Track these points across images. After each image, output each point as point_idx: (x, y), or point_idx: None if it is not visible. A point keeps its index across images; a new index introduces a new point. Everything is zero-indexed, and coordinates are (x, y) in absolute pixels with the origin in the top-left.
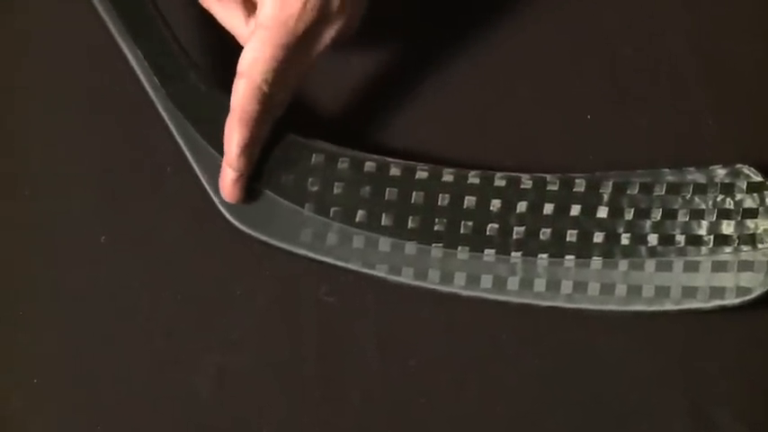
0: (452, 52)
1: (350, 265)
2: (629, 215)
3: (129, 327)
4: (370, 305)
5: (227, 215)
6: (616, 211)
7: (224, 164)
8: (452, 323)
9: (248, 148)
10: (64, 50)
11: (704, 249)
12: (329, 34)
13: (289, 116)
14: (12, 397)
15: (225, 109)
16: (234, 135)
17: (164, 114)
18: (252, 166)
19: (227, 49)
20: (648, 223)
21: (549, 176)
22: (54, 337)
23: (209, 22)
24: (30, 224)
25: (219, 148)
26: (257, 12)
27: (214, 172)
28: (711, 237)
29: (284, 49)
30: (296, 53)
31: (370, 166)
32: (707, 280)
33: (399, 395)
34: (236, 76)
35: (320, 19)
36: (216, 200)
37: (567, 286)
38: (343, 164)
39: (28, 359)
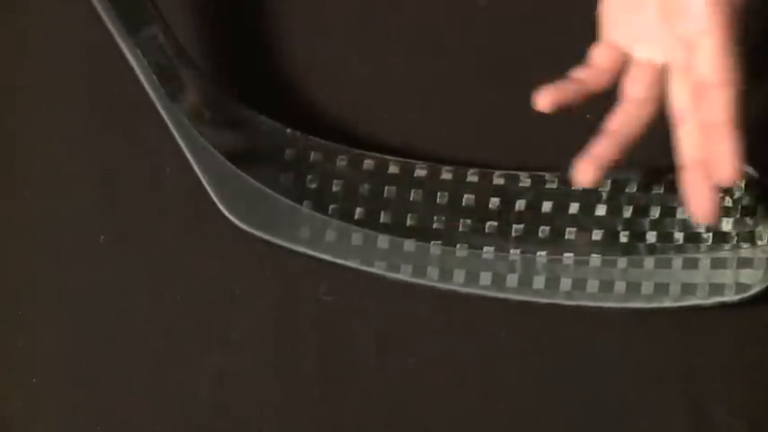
0: (452, 51)
1: (348, 263)
2: (627, 213)
3: (129, 327)
4: (369, 304)
5: (227, 213)
6: (615, 209)
7: (704, 185)
8: (451, 322)
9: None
10: (63, 50)
11: (703, 246)
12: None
13: (288, 114)
14: (11, 397)
15: (225, 108)
16: (730, 148)
17: (163, 114)
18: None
19: (227, 49)
20: (647, 221)
21: (547, 174)
22: (54, 337)
23: (208, 21)
24: (29, 224)
25: (220, 148)
26: (691, 21)
27: (213, 171)
28: (710, 234)
29: (734, 39)
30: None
31: (368, 163)
32: (706, 277)
33: (399, 394)
34: (707, 89)
35: None
36: (215, 198)
37: (566, 283)
38: (341, 161)
39: (27, 359)
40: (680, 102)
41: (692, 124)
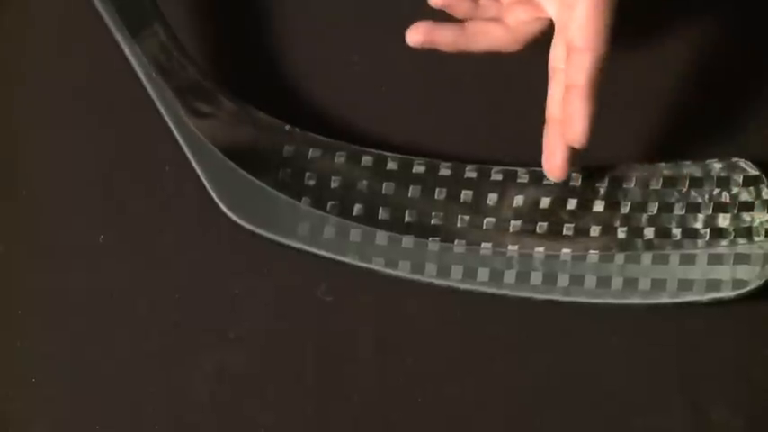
0: None
1: (347, 259)
2: (625, 209)
3: (128, 326)
4: (368, 304)
5: (225, 209)
6: (612, 205)
7: (559, 142)
8: (450, 321)
9: (592, 126)
10: (63, 49)
11: (700, 242)
12: None
13: (287, 110)
14: (10, 396)
15: (225, 106)
16: (587, 108)
17: (162, 112)
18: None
19: (226, 46)
20: (645, 217)
21: None
22: (53, 337)
23: (208, 18)
24: (28, 225)
25: (219, 145)
26: None
27: (212, 168)
28: (708, 230)
29: (611, 10)
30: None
31: (367, 160)
32: (703, 273)
33: (398, 393)
34: (573, 51)
35: None
36: (214, 195)
37: (563, 279)
38: (340, 158)
39: (26, 359)
40: (554, 60)
41: (558, 83)
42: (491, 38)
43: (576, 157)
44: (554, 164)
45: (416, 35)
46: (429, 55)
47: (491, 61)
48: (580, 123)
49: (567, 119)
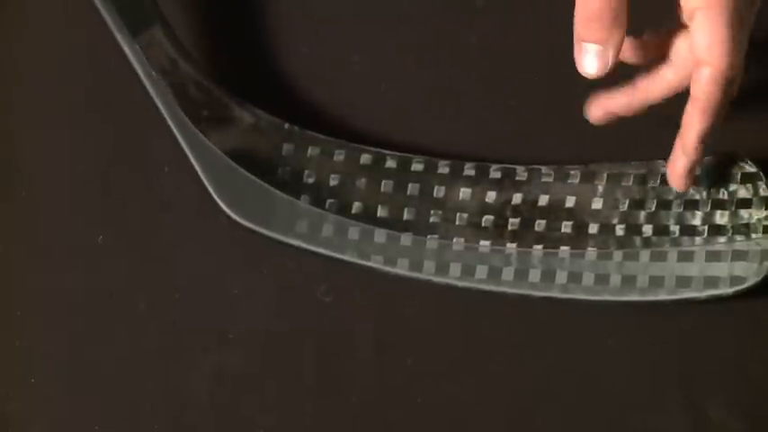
0: (450, 46)
1: (345, 257)
2: (623, 206)
3: (127, 326)
4: (367, 304)
5: (225, 208)
6: (611, 203)
7: (679, 152)
8: (449, 322)
9: (708, 139)
10: (61, 47)
11: (698, 239)
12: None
13: (286, 109)
14: (9, 397)
15: (224, 105)
16: (703, 127)
17: (162, 110)
18: (703, 158)
19: (227, 45)
20: (643, 214)
21: (543, 168)
22: (52, 337)
23: (208, 17)
24: (27, 224)
25: (219, 144)
26: (684, 2)
27: (212, 167)
28: (705, 227)
29: (737, 17)
30: (743, 24)
31: (365, 158)
32: (701, 270)
33: (397, 393)
34: (694, 66)
35: None
36: (213, 193)
37: (561, 277)
38: (339, 156)
39: (25, 359)
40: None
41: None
42: (665, 85)
43: (695, 168)
44: (673, 171)
45: (597, 112)
46: (428, 54)
47: (491, 60)
48: (692, 137)
49: (683, 128)
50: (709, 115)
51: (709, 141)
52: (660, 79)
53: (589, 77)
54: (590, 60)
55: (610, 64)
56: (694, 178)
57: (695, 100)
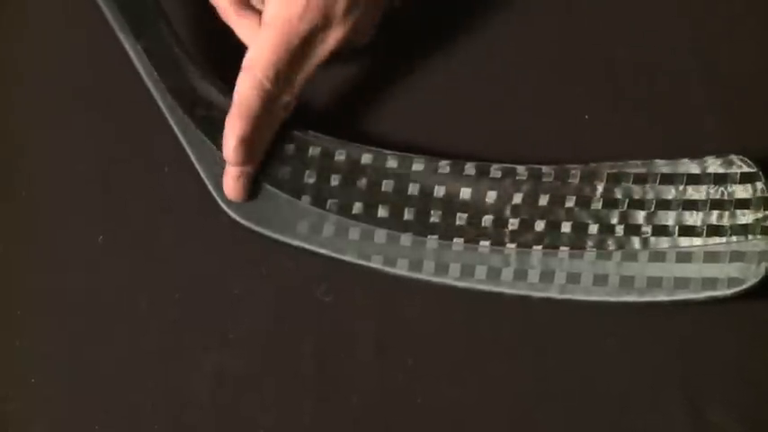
0: (451, 47)
1: (346, 257)
2: (623, 206)
3: (127, 326)
4: (367, 304)
5: (225, 208)
6: (610, 202)
7: (226, 161)
8: (449, 323)
9: (248, 144)
10: (63, 45)
11: (697, 240)
12: (333, 38)
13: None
14: (10, 397)
15: (226, 105)
16: (233, 129)
17: (164, 111)
18: (253, 164)
19: (228, 45)
20: (642, 214)
21: (544, 168)
22: (52, 337)
23: (210, 17)
24: (27, 224)
25: (220, 144)
26: (263, 11)
27: (214, 167)
28: (704, 227)
29: (287, 47)
30: (298, 53)
31: (366, 158)
32: (699, 271)
33: (398, 394)
34: (241, 71)
35: (324, 22)
36: (215, 194)
37: (560, 277)
38: (339, 156)
39: (26, 359)
40: None
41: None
42: (250, 35)
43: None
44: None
45: None
46: (429, 54)
47: (491, 60)
48: (226, 144)
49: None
50: (245, 120)
51: (251, 147)
52: (251, 34)
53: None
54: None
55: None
56: None
57: (234, 106)
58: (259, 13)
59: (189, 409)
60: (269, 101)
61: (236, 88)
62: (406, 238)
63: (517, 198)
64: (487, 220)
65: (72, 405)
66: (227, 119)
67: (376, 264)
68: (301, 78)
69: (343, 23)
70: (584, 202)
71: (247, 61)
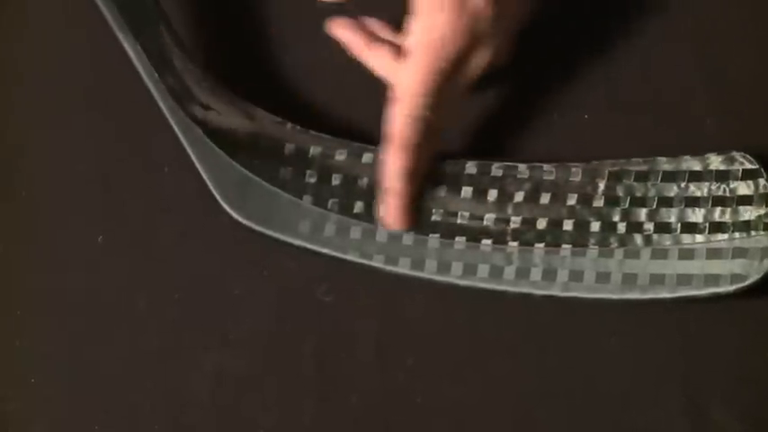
0: None
1: (347, 256)
2: (624, 204)
3: (128, 326)
4: (368, 304)
5: (227, 208)
6: (612, 200)
7: (386, 193)
8: (450, 322)
9: (410, 174)
10: (62, 46)
11: (699, 237)
12: (482, 58)
13: (288, 108)
14: (9, 397)
15: (226, 105)
16: (395, 161)
17: (164, 111)
18: (415, 193)
19: (228, 45)
20: (644, 211)
21: (545, 166)
22: (51, 338)
23: (210, 17)
24: (27, 225)
25: (220, 144)
26: (407, 39)
27: (215, 167)
28: (707, 224)
29: (436, 72)
30: (448, 77)
31: (367, 157)
32: (702, 267)
33: (398, 394)
34: (391, 102)
35: (470, 42)
36: (216, 193)
37: (562, 275)
38: (340, 155)
39: (26, 359)
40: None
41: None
42: (384, 66)
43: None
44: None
45: (334, 29)
46: None
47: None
48: (388, 177)
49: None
50: (405, 152)
51: (413, 178)
52: (384, 65)
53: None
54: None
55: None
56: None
57: (389, 140)
58: (389, 43)
59: (189, 409)
60: (425, 128)
61: (389, 120)
62: (407, 237)
63: (519, 196)
64: (489, 218)
65: (72, 405)
66: (386, 151)
67: (377, 263)
68: (454, 101)
69: (489, 43)
70: (585, 199)
71: (397, 92)
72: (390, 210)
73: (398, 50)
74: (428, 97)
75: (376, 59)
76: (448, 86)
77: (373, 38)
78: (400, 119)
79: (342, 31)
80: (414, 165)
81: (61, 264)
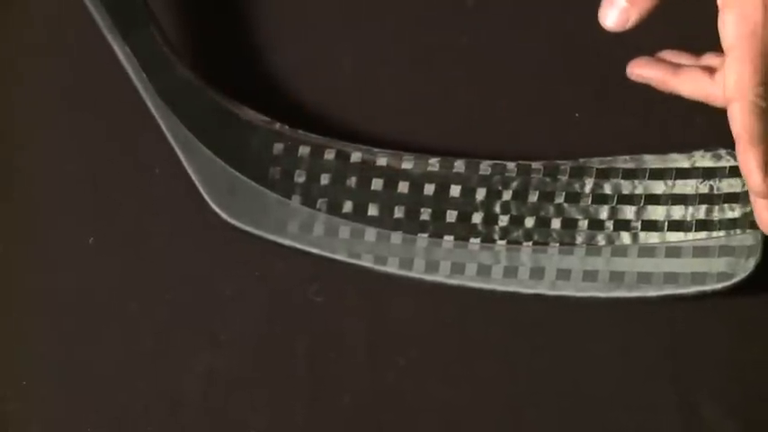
0: (441, 46)
1: (336, 256)
2: (612, 201)
3: (118, 327)
4: (359, 304)
5: (216, 208)
6: (600, 198)
7: (753, 198)
8: (441, 320)
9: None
10: (52, 49)
11: (686, 235)
12: None
13: (276, 108)
14: (0, 397)
15: (214, 105)
16: (750, 161)
17: (153, 111)
18: None
19: (217, 45)
20: (632, 209)
21: (533, 164)
22: (42, 339)
23: (198, 16)
24: (18, 226)
25: (209, 144)
26: (722, 39)
27: (204, 167)
28: (693, 222)
29: (763, 57)
30: None
31: (356, 156)
32: (689, 265)
33: (389, 393)
34: (726, 103)
35: None
36: (204, 193)
37: (550, 273)
38: (329, 155)
39: (16, 360)
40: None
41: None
42: (698, 85)
43: None
44: (763, 221)
45: (634, 70)
46: (416, 52)
47: (480, 58)
48: (747, 174)
49: (744, 173)
50: (758, 146)
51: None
52: (699, 84)
53: (605, 28)
54: (612, 13)
55: (628, 24)
56: None
57: (739, 138)
58: (689, 62)
59: (181, 409)
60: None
61: (732, 121)
62: (396, 237)
63: (507, 195)
64: (477, 217)
65: (63, 406)
66: (738, 154)
67: (366, 262)
68: None
69: None
70: (573, 197)
71: (730, 90)
72: (763, 212)
73: (706, 68)
74: (763, 87)
75: (688, 83)
76: None
77: (675, 65)
78: (743, 115)
79: (642, 70)
80: None
81: (51, 265)
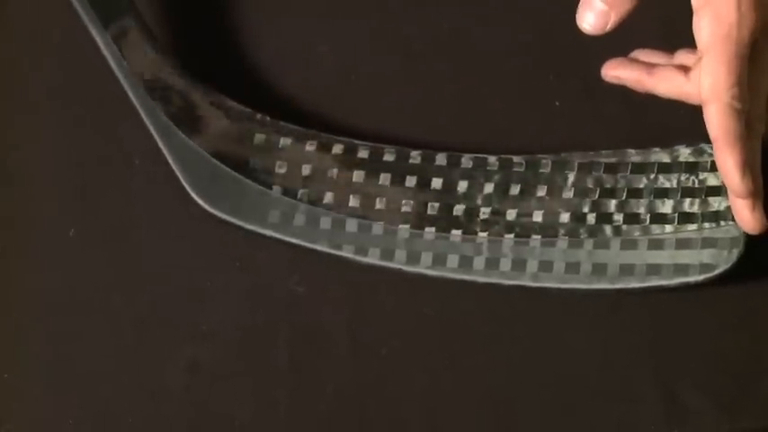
0: (423, 37)
1: (317, 246)
2: (594, 195)
3: (100, 319)
4: (341, 295)
5: (196, 198)
6: (582, 191)
7: (732, 196)
8: (422, 311)
9: (746, 168)
10: (34, 42)
11: (668, 227)
12: None
13: (258, 99)
14: None
15: (196, 96)
16: (728, 161)
17: (134, 101)
18: (759, 186)
19: (198, 36)
20: (614, 203)
21: (515, 157)
22: (24, 332)
23: (179, 8)
24: None
25: (191, 135)
26: (697, 40)
27: (185, 158)
28: (676, 215)
29: (737, 60)
30: (748, 61)
31: (337, 148)
32: (671, 257)
33: (372, 384)
34: (702, 105)
35: (759, 23)
36: (185, 183)
37: (532, 265)
38: (311, 146)
39: None
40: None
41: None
42: (674, 84)
43: (758, 204)
44: (742, 219)
45: (609, 71)
46: (397, 44)
47: (462, 50)
48: (726, 175)
49: (722, 174)
50: (735, 147)
51: (751, 171)
52: (674, 83)
53: (583, 31)
54: (589, 16)
55: (608, 27)
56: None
57: (716, 140)
58: (663, 61)
59: (163, 402)
60: (745, 119)
61: (708, 123)
62: (377, 228)
63: (488, 188)
64: (459, 209)
65: (44, 399)
66: (715, 156)
67: (347, 253)
68: (764, 84)
69: None
70: (555, 191)
71: (706, 92)
72: (742, 213)
73: (681, 67)
74: (737, 89)
75: (663, 83)
76: (754, 71)
77: (650, 65)
78: (719, 117)
79: (617, 71)
80: (745, 157)
81: (33, 257)
